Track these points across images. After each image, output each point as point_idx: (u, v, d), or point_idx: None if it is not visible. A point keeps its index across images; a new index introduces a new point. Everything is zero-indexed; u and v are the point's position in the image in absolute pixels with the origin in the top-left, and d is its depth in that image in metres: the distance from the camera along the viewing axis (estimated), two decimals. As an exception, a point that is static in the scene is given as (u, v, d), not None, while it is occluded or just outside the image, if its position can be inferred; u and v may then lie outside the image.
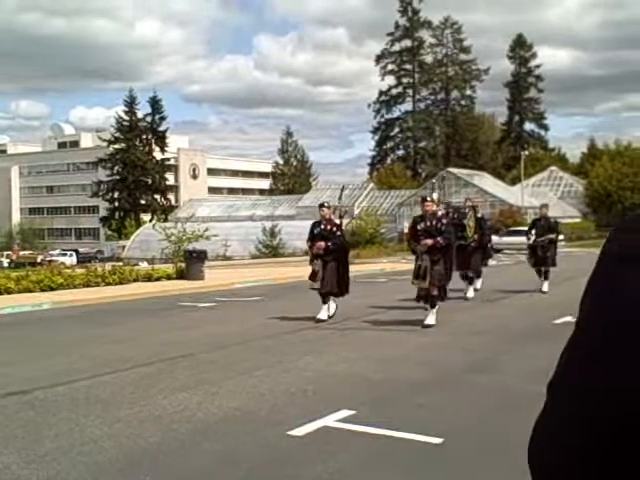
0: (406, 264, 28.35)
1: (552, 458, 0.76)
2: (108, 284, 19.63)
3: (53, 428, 5.90)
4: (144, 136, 70.27)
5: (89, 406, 6.62)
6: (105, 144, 70.14)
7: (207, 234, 24.88)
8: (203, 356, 9.05)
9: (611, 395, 0.70)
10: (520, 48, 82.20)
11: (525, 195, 55.58)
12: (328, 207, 12.35)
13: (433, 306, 11.13)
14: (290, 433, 5.63)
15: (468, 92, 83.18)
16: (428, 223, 10.97)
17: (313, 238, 12.10)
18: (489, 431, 5.74)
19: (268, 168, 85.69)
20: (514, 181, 65.04)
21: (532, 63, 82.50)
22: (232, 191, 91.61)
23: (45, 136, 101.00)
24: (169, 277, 21.19)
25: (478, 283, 16.14)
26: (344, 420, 5.96)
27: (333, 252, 11.88)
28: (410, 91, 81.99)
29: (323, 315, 11.79)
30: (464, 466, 5.00)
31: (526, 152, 65.46)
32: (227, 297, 16.09)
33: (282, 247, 43.75)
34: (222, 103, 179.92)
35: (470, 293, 15.14)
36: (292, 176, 78.63)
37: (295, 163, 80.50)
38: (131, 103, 70.07)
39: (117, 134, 69.76)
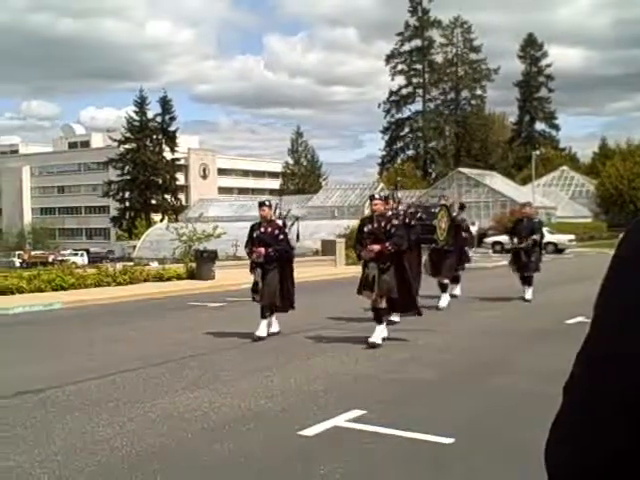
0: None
1: (567, 458, 0.75)
2: (119, 284, 19.68)
3: (65, 427, 5.92)
4: (154, 136, 70.37)
5: (100, 405, 6.64)
6: (116, 144, 70.31)
7: (217, 232, 24.90)
8: (213, 356, 9.06)
9: (625, 396, 0.69)
10: (531, 47, 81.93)
11: (536, 195, 55.34)
12: (269, 206, 10.59)
13: (380, 321, 9.57)
14: (301, 433, 5.63)
15: (478, 92, 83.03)
16: (375, 225, 9.52)
17: (252, 243, 10.45)
18: (500, 432, 5.73)
19: (278, 168, 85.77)
20: (525, 181, 64.80)
21: (543, 62, 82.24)
22: (242, 191, 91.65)
23: (56, 136, 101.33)
24: (180, 277, 21.22)
25: (456, 289, 14.93)
26: (355, 420, 5.96)
27: (275, 260, 10.28)
28: (420, 91, 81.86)
29: (262, 332, 10.20)
30: (475, 466, 4.98)
31: (537, 152, 65.20)
32: (237, 297, 16.08)
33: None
34: (232, 103, 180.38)
35: (443, 302, 13.47)
36: (302, 176, 78.65)
37: (305, 163, 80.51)
38: (141, 103, 70.23)
39: (127, 134, 69.91)
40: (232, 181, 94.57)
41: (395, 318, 11.06)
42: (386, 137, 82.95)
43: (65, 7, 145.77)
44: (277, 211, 11.01)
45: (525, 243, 14.23)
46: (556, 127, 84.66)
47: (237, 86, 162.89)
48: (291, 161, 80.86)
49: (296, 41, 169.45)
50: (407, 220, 11.39)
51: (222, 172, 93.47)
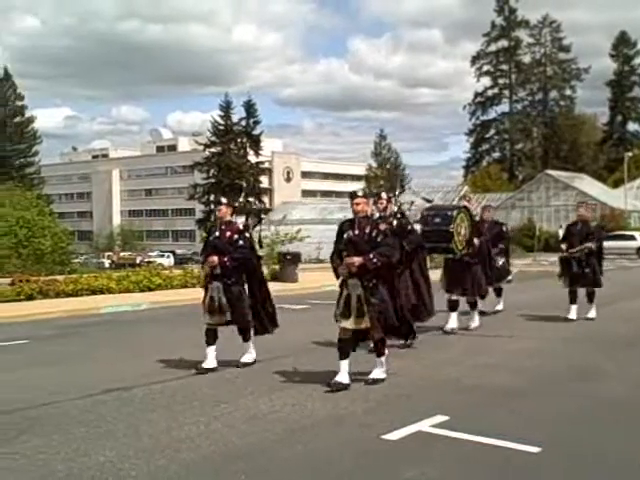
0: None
1: None
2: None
3: (151, 425, 6.04)
4: (239, 140, 71.43)
5: (185, 404, 6.74)
6: (201, 148, 71.72)
7: (300, 235, 25.06)
8: (298, 358, 9.07)
9: None
10: (623, 46, 79.31)
11: (629, 198, 53.57)
12: (227, 204, 8.60)
13: (380, 354, 7.55)
14: (384, 437, 5.57)
15: (568, 92, 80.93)
16: (357, 231, 7.37)
17: (206, 250, 8.58)
18: (590, 442, 5.52)
19: (361, 171, 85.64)
20: (617, 184, 62.73)
21: (636, 61, 79.46)
22: (325, 194, 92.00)
23: (144, 140, 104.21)
24: (263, 279, 21.39)
25: (499, 304, 13.46)
26: (439, 425, 5.86)
27: (236, 270, 8.33)
28: (507, 92, 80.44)
29: (247, 358, 8.53)
30: (563, 477, 4.82)
31: (629, 153, 62.95)
32: (320, 299, 16.11)
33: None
34: (316, 106, 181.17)
35: (475, 322, 11.37)
36: (385, 179, 78.38)
37: (388, 166, 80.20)
38: (227, 107, 71.40)
39: (213, 138, 71.20)
40: (315, 184, 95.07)
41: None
42: (471, 139, 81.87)
43: (152, 14, 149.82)
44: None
45: (578, 251, 11.99)
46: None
47: (321, 89, 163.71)
48: (374, 164, 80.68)
49: (380, 43, 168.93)
50: (403, 224, 9.55)
51: (306, 175, 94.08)
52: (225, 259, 8.22)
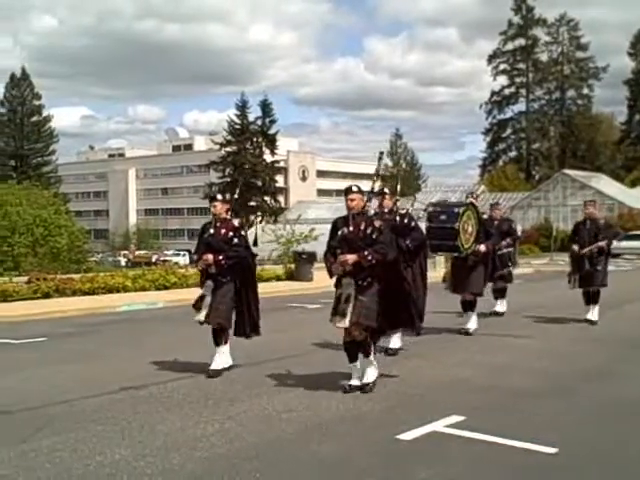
0: (518, 268, 27.66)
1: None
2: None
3: (166, 423, 6.06)
4: (255, 139, 71.54)
5: (200, 403, 6.77)
6: (217, 147, 71.91)
7: (315, 234, 25.05)
8: (312, 357, 9.08)
9: None
10: (641, 44, 78.65)
11: (646, 198, 53.14)
12: (223, 201, 8.33)
13: (367, 354, 7.17)
14: (399, 437, 5.56)
15: (585, 91, 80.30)
16: (351, 228, 7.12)
17: (200, 247, 8.31)
18: (606, 443, 5.49)
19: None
20: (634, 183, 62.28)
21: (655, 60, 78.75)
22: (341, 193, 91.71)
23: (160, 139, 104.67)
24: (279, 278, 21.47)
25: (501, 305, 13.18)
26: (454, 426, 5.85)
27: (231, 269, 8.05)
28: (523, 91, 79.98)
29: (217, 364, 8.06)
30: (579, 478, 4.80)
31: (647, 152, 62.52)
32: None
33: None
34: (332, 105, 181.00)
35: (471, 324, 10.93)
36: (401, 178, 78.24)
37: (404, 165, 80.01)
38: (243, 107, 71.55)
39: (229, 137, 71.36)
40: (331, 183, 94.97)
41: (394, 344, 9.16)
42: (488, 138, 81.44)
43: (169, 13, 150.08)
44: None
45: (588, 250, 11.66)
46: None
47: (337, 88, 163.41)
48: (390, 163, 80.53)
49: (396, 42, 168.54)
50: (405, 221, 9.23)
51: (321, 174, 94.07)
52: (220, 257, 7.95)
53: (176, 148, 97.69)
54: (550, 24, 79.04)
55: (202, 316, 8.06)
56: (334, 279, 7.24)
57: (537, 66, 79.17)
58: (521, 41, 78.66)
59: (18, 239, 34.47)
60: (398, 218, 9.14)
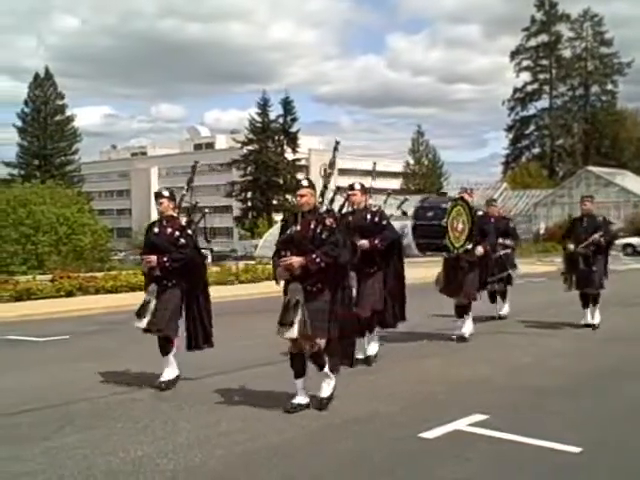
0: (541, 266, 27.47)
1: None
2: (241, 282, 20.13)
3: (190, 420, 6.08)
4: (276, 137, 71.61)
5: (223, 400, 6.78)
6: (239, 145, 72.08)
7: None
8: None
9: None
10: (666, 39, 77.80)
11: (672, 195, 52.50)
12: (170, 197, 7.77)
13: (321, 367, 6.44)
14: (421, 435, 5.53)
15: (609, 87, 79.49)
16: (299, 227, 6.36)
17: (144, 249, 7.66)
18: (632, 442, 5.43)
19: (399, 168, 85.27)
20: (660, 180, 61.60)
21: (679, 55, 77.90)
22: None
23: (182, 138, 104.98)
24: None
25: (503, 308, 12.59)
26: (477, 424, 5.80)
27: (177, 272, 7.38)
28: (547, 87, 79.34)
29: (167, 374, 7.44)
30: (605, 478, 4.74)
31: (673, 149, 61.76)
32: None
33: (410, 247, 43.40)
34: (353, 103, 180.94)
35: (466, 328, 10.19)
36: (423, 176, 77.90)
37: (426, 163, 79.71)
38: (264, 105, 71.63)
39: (250, 135, 71.47)
40: (352, 181, 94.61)
41: (372, 349, 8.51)
42: (510, 135, 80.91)
43: (190, 12, 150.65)
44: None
45: (583, 248, 10.84)
46: (694, 122, 79.99)
47: (359, 86, 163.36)
48: (412, 161, 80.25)
49: (418, 39, 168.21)
50: (376, 219, 8.62)
51: (343, 172, 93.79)
52: (164, 259, 7.28)
53: (198, 147, 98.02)
54: (574, 20, 78.31)
55: (144, 323, 7.41)
56: (282, 284, 6.41)
57: (560, 62, 78.48)
58: (544, 37, 78.01)
59: (42, 238, 34.75)
60: (369, 216, 8.56)
